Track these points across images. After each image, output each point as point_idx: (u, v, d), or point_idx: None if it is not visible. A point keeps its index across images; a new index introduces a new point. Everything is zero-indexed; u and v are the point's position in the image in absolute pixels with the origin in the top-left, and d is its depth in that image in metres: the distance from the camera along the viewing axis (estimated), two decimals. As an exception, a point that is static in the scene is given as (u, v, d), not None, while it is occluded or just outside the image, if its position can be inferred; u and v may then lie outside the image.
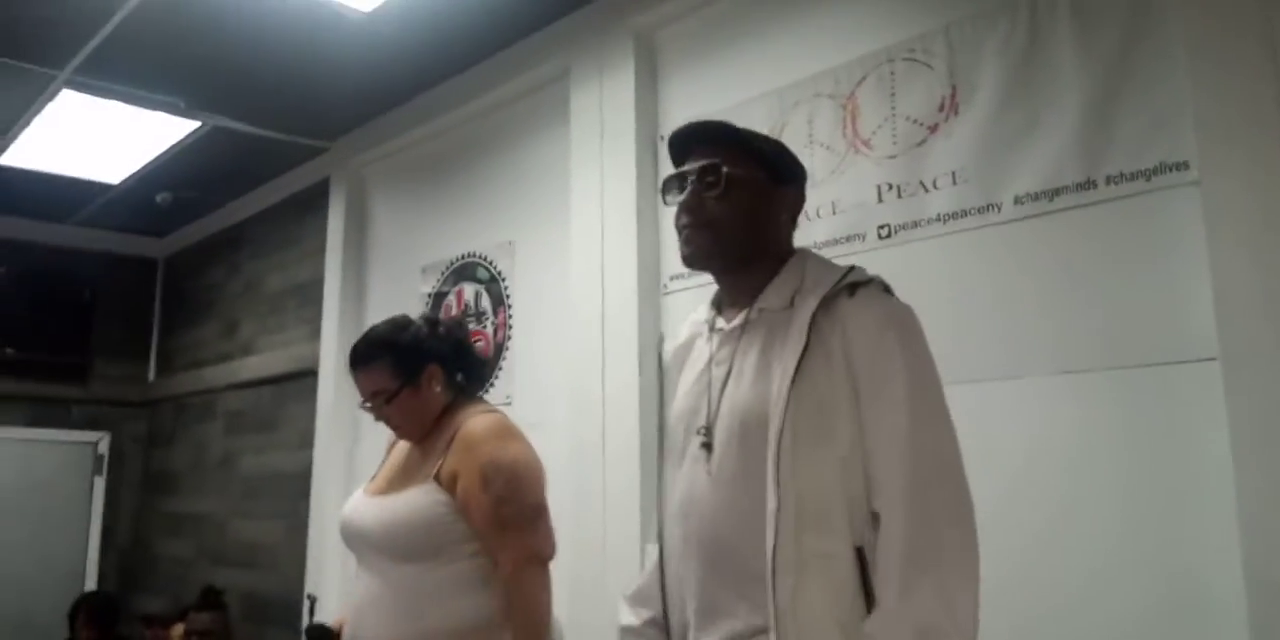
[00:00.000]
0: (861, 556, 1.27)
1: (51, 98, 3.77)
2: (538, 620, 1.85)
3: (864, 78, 2.41)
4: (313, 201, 4.51)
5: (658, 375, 2.78)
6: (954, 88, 2.23)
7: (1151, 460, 1.84)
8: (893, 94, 2.35)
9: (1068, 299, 1.99)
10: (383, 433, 2.22)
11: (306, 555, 4.06)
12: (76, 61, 3.47)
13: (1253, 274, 1.72)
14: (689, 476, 1.41)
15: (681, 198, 1.45)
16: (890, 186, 2.32)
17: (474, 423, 1.96)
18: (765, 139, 1.51)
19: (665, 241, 2.86)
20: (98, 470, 5.69)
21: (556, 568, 2.80)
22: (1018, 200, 2.10)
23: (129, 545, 5.68)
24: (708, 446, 1.38)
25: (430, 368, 2.03)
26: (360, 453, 3.92)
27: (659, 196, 2.83)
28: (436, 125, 3.77)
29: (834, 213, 2.42)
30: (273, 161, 4.56)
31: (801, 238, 2.47)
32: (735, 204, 1.42)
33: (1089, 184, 1.99)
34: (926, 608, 1.20)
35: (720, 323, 1.48)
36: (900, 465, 1.26)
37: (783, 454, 1.27)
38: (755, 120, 2.63)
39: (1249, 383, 1.71)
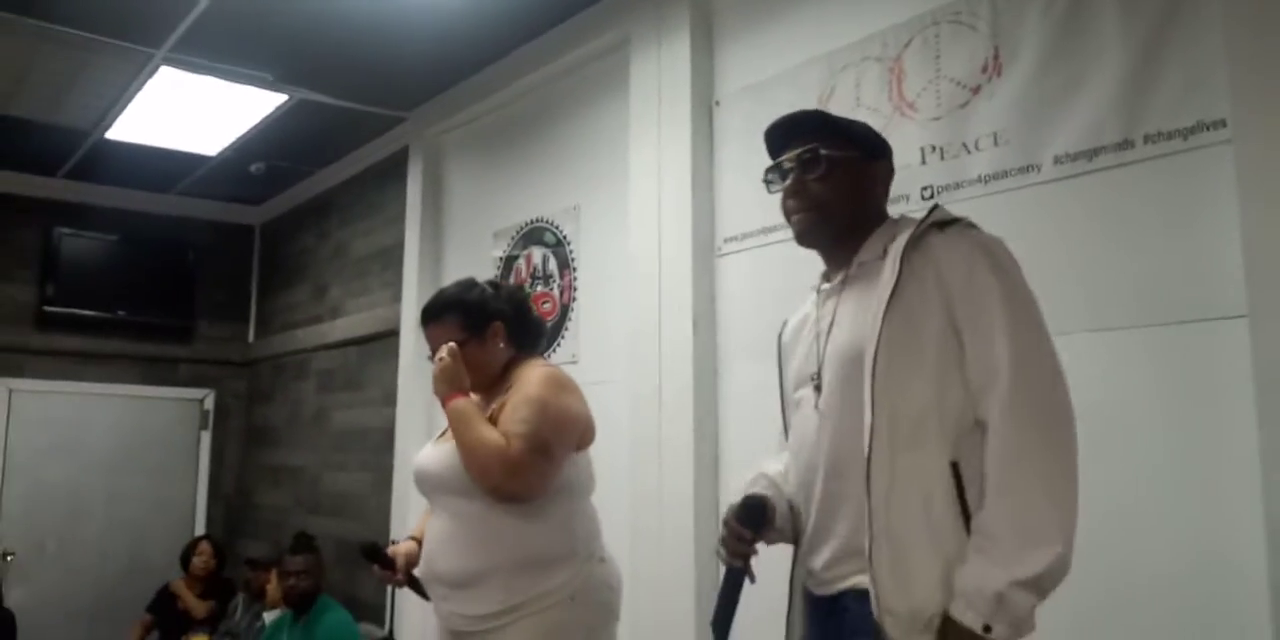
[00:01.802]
0: (957, 471, 1.36)
1: (151, 75, 4.02)
2: (484, 448, 1.99)
3: (910, 40, 2.44)
4: (393, 170, 4.71)
5: (711, 331, 2.89)
6: (997, 49, 2.25)
7: (1180, 416, 1.88)
8: (938, 56, 2.38)
9: (1103, 258, 2.02)
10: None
11: (391, 504, 4.32)
12: (172, 40, 3.71)
13: (1282, 232, 1.74)
14: (801, 420, 1.56)
15: (786, 184, 1.58)
16: (934, 148, 2.36)
17: (533, 373, 2.13)
18: (852, 121, 1.65)
19: (720, 204, 2.94)
20: (204, 425, 6.08)
21: (616, 519, 2.97)
22: (1057, 160, 2.12)
23: (233, 494, 6.07)
24: (818, 389, 1.51)
25: (494, 324, 2.21)
26: (438, 409, 4.11)
27: (711, 160, 2.94)
28: (505, 95, 3.90)
29: (879, 175, 2.47)
30: (355, 132, 4.76)
31: (846, 200, 2.54)
32: (836, 183, 1.55)
33: (1127, 144, 2.01)
34: (1030, 504, 1.30)
35: (825, 285, 1.62)
36: (1004, 377, 1.34)
37: (878, 375, 1.37)
38: (806, 85, 2.69)
39: (1276, 340, 1.73)
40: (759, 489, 1.63)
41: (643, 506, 2.95)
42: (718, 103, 2.99)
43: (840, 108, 2.59)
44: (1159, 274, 1.94)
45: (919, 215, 1.53)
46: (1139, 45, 2.00)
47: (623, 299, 3.22)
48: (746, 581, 1.58)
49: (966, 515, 1.36)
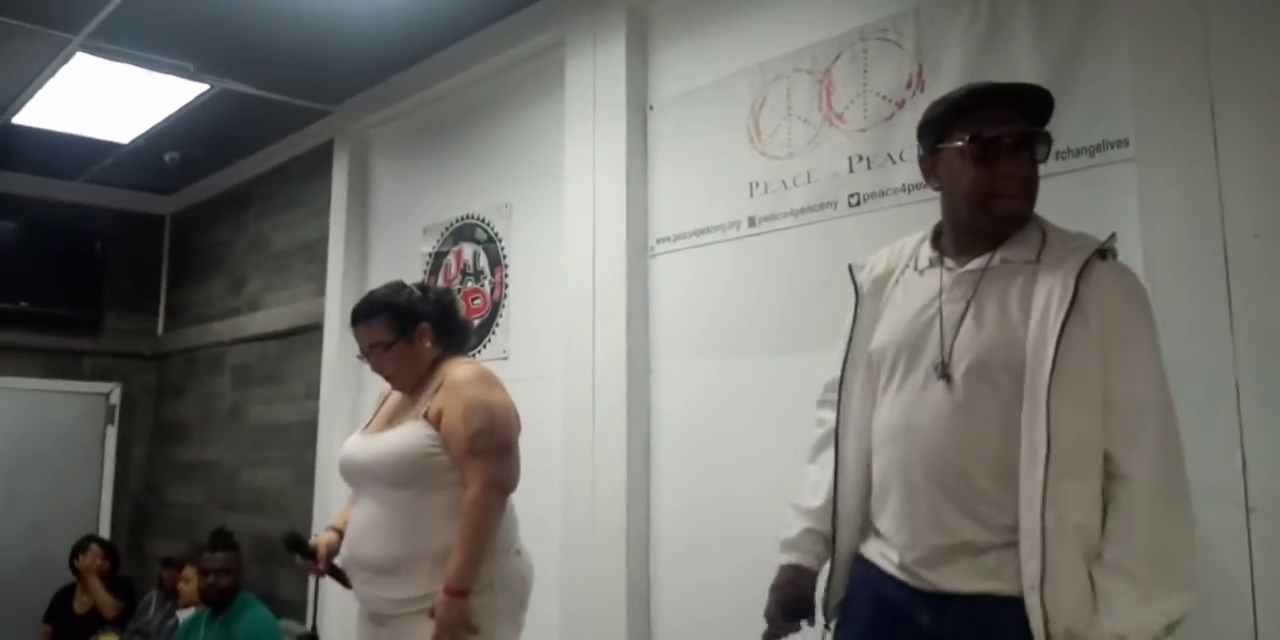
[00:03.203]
0: (1103, 498, 1.41)
1: (66, 61, 3.90)
2: (479, 537, 2.11)
3: (839, 55, 2.57)
4: (318, 163, 4.66)
5: (645, 331, 2.97)
6: (921, 66, 2.39)
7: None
8: (865, 71, 2.50)
9: (1016, 265, 2.17)
10: (382, 385, 2.43)
11: (313, 499, 4.29)
12: (91, 26, 3.61)
13: (1179, 243, 1.90)
14: (911, 403, 1.52)
15: (1009, 170, 1.50)
16: (861, 158, 2.49)
17: (460, 370, 2.24)
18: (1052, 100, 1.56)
19: (654, 205, 3.03)
20: (109, 420, 5.90)
21: (547, 515, 3.03)
22: (975, 173, 2.26)
23: (141, 492, 5.91)
24: (947, 378, 1.47)
25: (421, 325, 2.32)
26: (363, 403, 4.12)
27: (645, 162, 3.01)
28: (437, 91, 3.92)
29: (809, 181, 2.59)
30: (278, 123, 4.70)
31: (778, 205, 2.67)
32: (1036, 174, 1.55)
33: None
34: (1174, 545, 1.37)
35: (950, 263, 1.56)
36: (1155, 421, 1.40)
37: (1053, 399, 1.37)
38: (739, 93, 2.79)
39: (1172, 345, 1.88)
40: (798, 557, 1.70)
41: (574, 504, 3.02)
42: (652, 107, 3.07)
43: (773, 116, 2.71)
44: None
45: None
46: (1051, 67, 2.15)
47: (555, 296, 3.27)
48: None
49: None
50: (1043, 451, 1.37)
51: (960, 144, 1.52)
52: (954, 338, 1.49)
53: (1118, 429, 1.41)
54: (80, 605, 4.78)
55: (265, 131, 4.84)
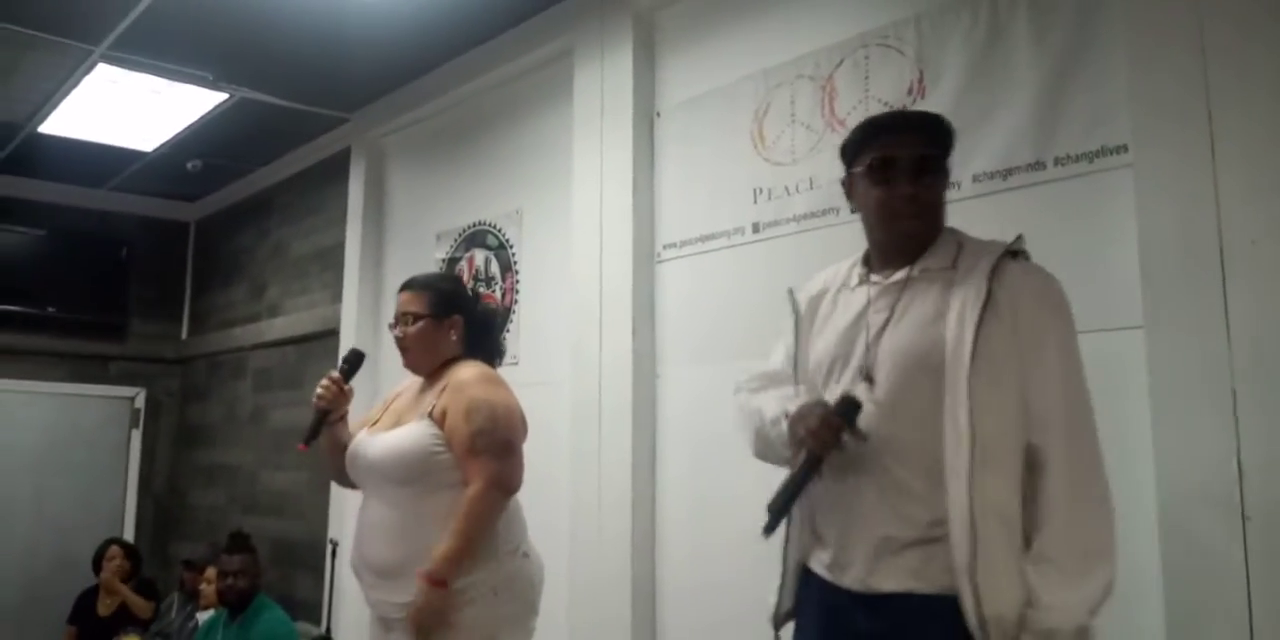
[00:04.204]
0: (1022, 489, 1.46)
1: (89, 71, 3.99)
2: (473, 530, 2.12)
3: (841, 61, 2.57)
4: (335, 170, 4.72)
5: (650, 336, 2.99)
6: (921, 73, 2.39)
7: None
8: (866, 77, 2.51)
9: (1016, 271, 2.16)
10: (396, 385, 2.46)
11: (329, 504, 4.34)
12: (112, 37, 3.69)
13: (1176, 249, 1.89)
14: None
15: (900, 185, 1.57)
16: (863, 164, 2.49)
17: (466, 371, 2.28)
18: (949, 125, 1.64)
19: (660, 212, 3.05)
20: (134, 423, 6.00)
21: (556, 519, 3.05)
22: (975, 178, 2.27)
23: (165, 494, 6.00)
24: (870, 380, 1.54)
25: (455, 317, 2.36)
26: (375, 405, 4.15)
27: (652, 169, 3.04)
28: (449, 99, 3.96)
29: (811, 187, 2.59)
30: (297, 131, 4.77)
31: (781, 210, 2.68)
32: (940, 191, 1.63)
33: (1039, 165, 2.16)
34: (1091, 530, 1.43)
35: (875, 277, 1.64)
36: (1062, 412, 1.46)
37: (974, 392, 1.44)
38: (743, 99, 2.81)
39: (1169, 350, 1.89)
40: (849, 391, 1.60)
41: (581, 508, 3.04)
42: (658, 114, 3.09)
43: (776, 122, 2.72)
44: (1066, 287, 2.07)
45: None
46: (1050, 74, 2.15)
47: (564, 302, 3.30)
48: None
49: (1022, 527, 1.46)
50: (966, 442, 1.43)
51: (860, 169, 1.63)
52: (878, 343, 1.56)
53: (1035, 421, 1.47)
54: (104, 607, 4.85)
55: (284, 139, 4.91)
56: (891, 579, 1.49)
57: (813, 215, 2.58)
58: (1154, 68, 1.95)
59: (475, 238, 3.82)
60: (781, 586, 1.67)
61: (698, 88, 2.97)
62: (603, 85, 3.20)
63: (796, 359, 1.72)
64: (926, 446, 1.47)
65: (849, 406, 1.52)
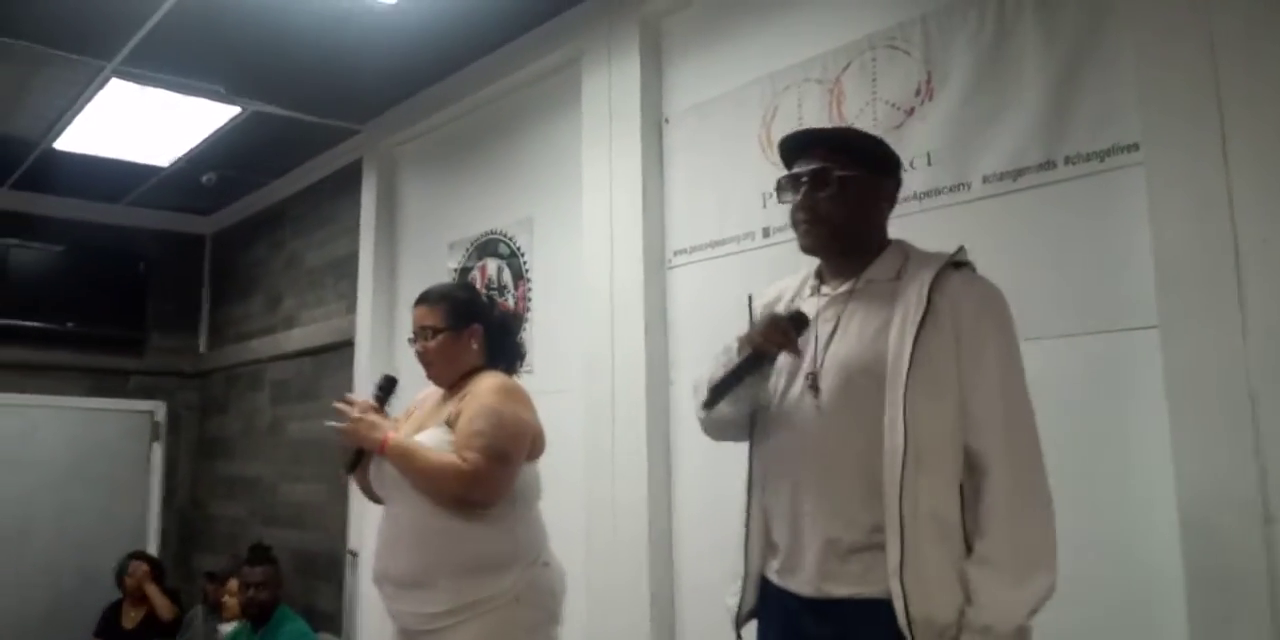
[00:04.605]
0: (961, 493, 1.50)
1: (101, 87, 4.02)
2: (426, 471, 2.14)
3: (849, 64, 2.56)
4: (347, 181, 4.74)
5: (663, 342, 2.99)
6: (929, 74, 2.37)
7: (1098, 421, 2.01)
8: (874, 79, 2.49)
9: (1028, 273, 2.14)
10: (417, 394, 2.47)
11: (348, 515, 4.34)
12: (124, 53, 3.72)
13: (1190, 248, 1.87)
14: (789, 415, 1.63)
15: (797, 199, 1.66)
16: (872, 167, 2.47)
17: (487, 381, 2.28)
18: (865, 137, 1.74)
19: (670, 217, 3.04)
20: (155, 437, 6.03)
21: (572, 525, 3.04)
22: (985, 179, 2.25)
23: (187, 507, 6.04)
24: (814, 389, 1.60)
25: (474, 326, 2.36)
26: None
27: (661, 175, 3.04)
28: (458, 109, 3.97)
29: (821, 191, 2.58)
30: (309, 143, 4.79)
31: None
32: (844, 201, 1.65)
33: (1049, 164, 2.14)
34: (1032, 533, 1.47)
35: (825, 289, 1.70)
36: (1001, 416, 1.50)
37: (909, 398, 1.48)
38: (750, 104, 2.80)
39: (1185, 350, 1.86)
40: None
41: (596, 514, 3.03)
42: (667, 120, 3.08)
43: (785, 126, 2.70)
44: (1078, 286, 2.07)
45: (923, 246, 1.68)
46: (1058, 73, 2.13)
47: (576, 310, 3.30)
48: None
49: (964, 531, 1.50)
50: (900, 447, 1.48)
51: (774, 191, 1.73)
52: (825, 353, 1.61)
53: (974, 426, 1.51)
54: (128, 620, 4.90)
55: (297, 151, 4.94)
56: (838, 584, 1.54)
57: (823, 219, 2.56)
58: (1163, 65, 1.93)
59: (487, 246, 3.82)
60: (744, 587, 1.71)
61: (706, 93, 2.96)
62: (611, 91, 3.20)
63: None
64: (868, 454, 1.52)
65: (798, 318, 1.61)
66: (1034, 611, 1.44)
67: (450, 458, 2.13)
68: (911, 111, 2.40)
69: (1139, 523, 1.92)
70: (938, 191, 2.33)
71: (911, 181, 2.37)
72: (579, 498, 3.09)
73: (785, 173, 1.71)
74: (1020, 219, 2.18)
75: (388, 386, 2.40)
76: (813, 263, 1.77)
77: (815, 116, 2.62)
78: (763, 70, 2.78)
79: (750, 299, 1.85)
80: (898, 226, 2.36)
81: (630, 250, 3.05)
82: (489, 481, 2.13)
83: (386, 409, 2.37)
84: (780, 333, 1.60)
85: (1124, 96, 2.02)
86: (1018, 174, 2.19)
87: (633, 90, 3.11)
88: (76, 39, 3.62)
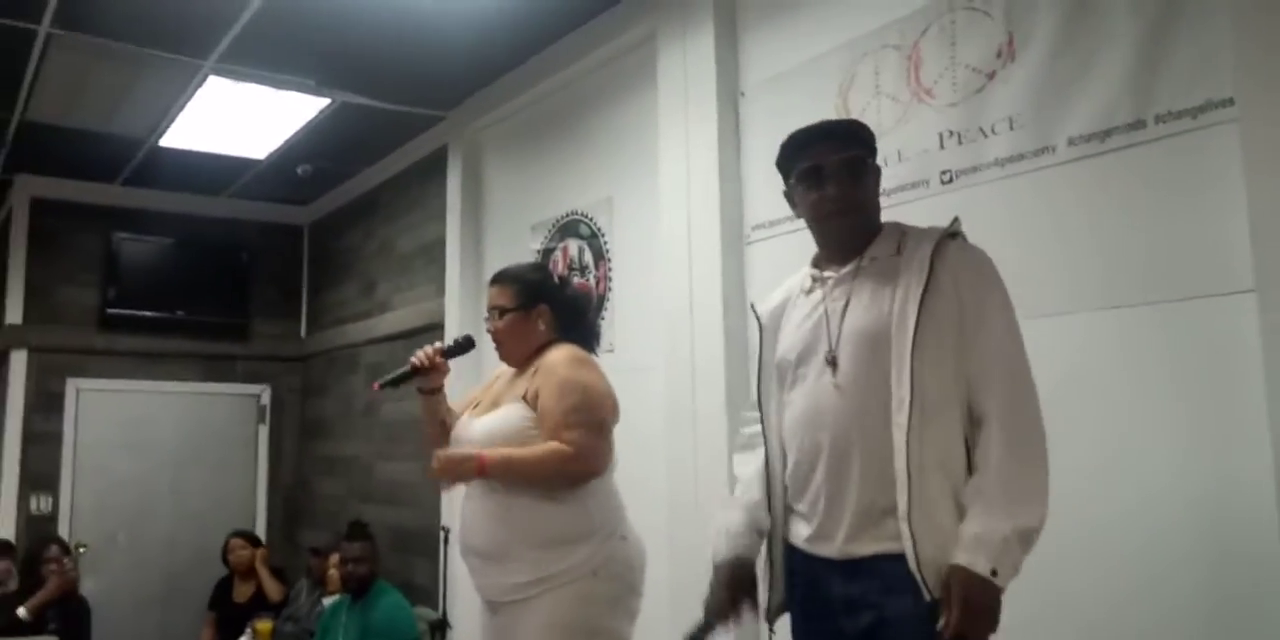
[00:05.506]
0: (967, 445, 1.59)
1: (200, 84, 4.19)
2: (535, 470, 2.18)
3: (927, 28, 2.50)
4: (434, 167, 4.84)
5: (742, 318, 2.97)
6: (1010, 35, 2.30)
7: (1192, 389, 1.93)
8: (953, 43, 2.43)
9: (1117, 237, 2.07)
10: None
11: (441, 492, 4.46)
12: (218, 52, 3.87)
13: (1290, 207, 1.77)
14: (812, 393, 1.70)
15: (828, 189, 1.72)
16: (951, 133, 2.42)
17: (556, 354, 2.32)
18: (863, 125, 1.83)
19: (748, 193, 3.02)
20: (261, 419, 6.30)
21: (655, 492, 3.06)
22: (1071, 142, 2.17)
23: (292, 485, 6.29)
24: (833, 363, 1.67)
25: (541, 306, 2.40)
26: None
27: (739, 150, 3.02)
28: (537, 91, 4.01)
29: (899, 160, 2.53)
30: (396, 131, 4.90)
31: (868, 186, 2.60)
32: (870, 189, 1.77)
33: (1138, 124, 2.05)
34: (1026, 474, 1.54)
35: (829, 273, 1.77)
36: (1001, 377, 1.58)
37: (914, 358, 1.57)
38: (827, 74, 2.76)
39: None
40: (742, 549, 1.82)
41: (678, 481, 3.05)
42: (743, 93, 3.06)
43: (861, 95, 2.66)
44: (1170, 251, 1.98)
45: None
46: (1147, 27, 2.04)
47: (656, 288, 3.30)
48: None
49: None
50: (907, 399, 1.56)
51: (793, 180, 1.79)
52: (839, 329, 1.69)
53: (976, 380, 1.59)
54: (239, 595, 5.13)
55: (385, 140, 5.06)
56: (868, 544, 1.60)
57: (902, 189, 2.51)
58: (1261, 10, 1.82)
59: (568, 227, 3.86)
60: (770, 583, 1.79)
61: (781, 64, 2.93)
62: (686, 68, 3.19)
63: (761, 368, 1.85)
64: (885, 416, 1.59)
65: (742, 583, 1.79)
66: (1026, 538, 1.49)
67: (547, 447, 2.18)
68: (993, 75, 2.33)
69: (1237, 491, 1.84)
70: (1021, 156, 2.26)
71: (994, 147, 2.32)
72: (660, 469, 3.11)
73: (801, 165, 1.76)
74: (1108, 182, 2.10)
75: (464, 344, 2.50)
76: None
77: (893, 84, 2.57)
78: (838, 39, 2.73)
79: (753, 307, 1.93)
80: (980, 194, 2.33)
81: (708, 226, 3.04)
82: (595, 455, 2.20)
83: (449, 363, 2.46)
84: (729, 604, 1.78)
85: (1217, 49, 1.92)
86: (1105, 135, 2.10)
87: (708, 65, 3.09)
88: (173, 39, 3.78)
